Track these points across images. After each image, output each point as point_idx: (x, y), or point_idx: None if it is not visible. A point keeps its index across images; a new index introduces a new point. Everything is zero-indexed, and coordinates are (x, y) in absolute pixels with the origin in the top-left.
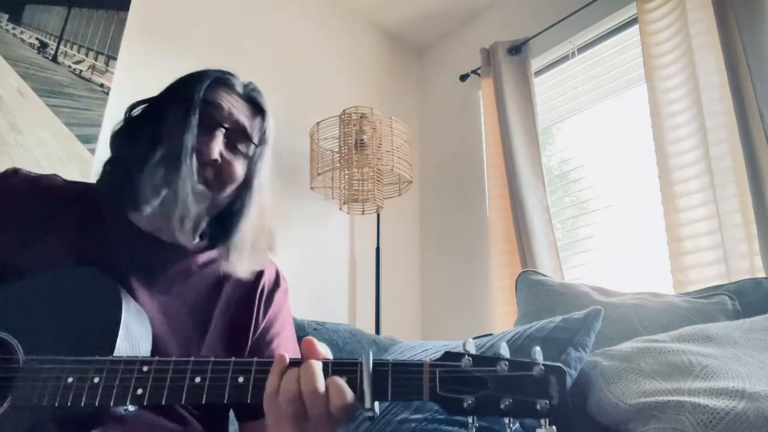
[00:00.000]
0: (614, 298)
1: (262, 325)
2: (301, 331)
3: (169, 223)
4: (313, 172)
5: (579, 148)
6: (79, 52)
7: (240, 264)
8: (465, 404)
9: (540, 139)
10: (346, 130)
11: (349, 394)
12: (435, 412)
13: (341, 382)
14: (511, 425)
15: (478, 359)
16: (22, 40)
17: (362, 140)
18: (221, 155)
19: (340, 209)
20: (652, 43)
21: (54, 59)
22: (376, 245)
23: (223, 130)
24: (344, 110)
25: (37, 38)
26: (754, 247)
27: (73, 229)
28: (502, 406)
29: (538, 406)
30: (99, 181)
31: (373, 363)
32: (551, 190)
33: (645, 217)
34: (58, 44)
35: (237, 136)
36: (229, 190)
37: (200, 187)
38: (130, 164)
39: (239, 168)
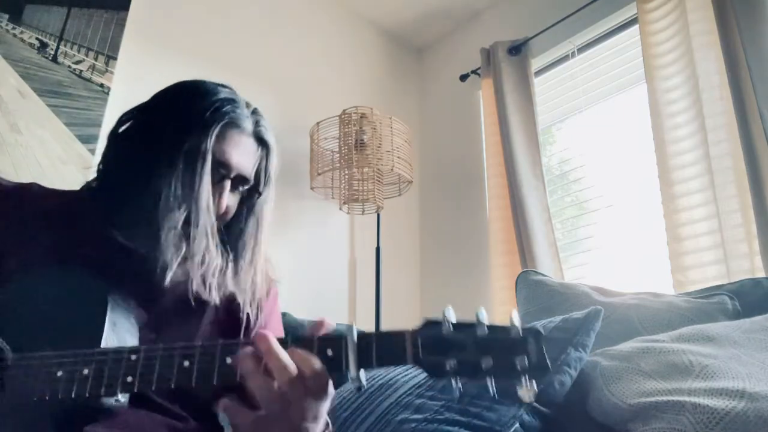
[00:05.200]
0: (614, 298)
1: (253, 332)
2: (301, 330)
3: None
4: (313, 172)
5: (579, 148)
6: (79, 52)
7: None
8: (447, 367)
9: (540, 139)
10: (346, 130)
11: (315, 360)
12: (435, 413)
13: (302, 350)
14: (494, 386)
15: (458, 325)
16: (22, 40)
17: (362, 140)
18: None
19: (340, 209)
20: (652, 43)
21: (54, 59)
22: (376, 245)
23: (230, 181)
24: (344, 110)
25: (37, 38)
26: (754, 247)
27: (53, 239)
28: (483, 367)
29: (518, 365)
30: (84, 190)
31: (358, 334)
32: (551, 190)
33: (645, 217)
34: (58, 44)
35: (239, 181)
36: (223, 222)
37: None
38: (129, 192)
39: (235, 202)
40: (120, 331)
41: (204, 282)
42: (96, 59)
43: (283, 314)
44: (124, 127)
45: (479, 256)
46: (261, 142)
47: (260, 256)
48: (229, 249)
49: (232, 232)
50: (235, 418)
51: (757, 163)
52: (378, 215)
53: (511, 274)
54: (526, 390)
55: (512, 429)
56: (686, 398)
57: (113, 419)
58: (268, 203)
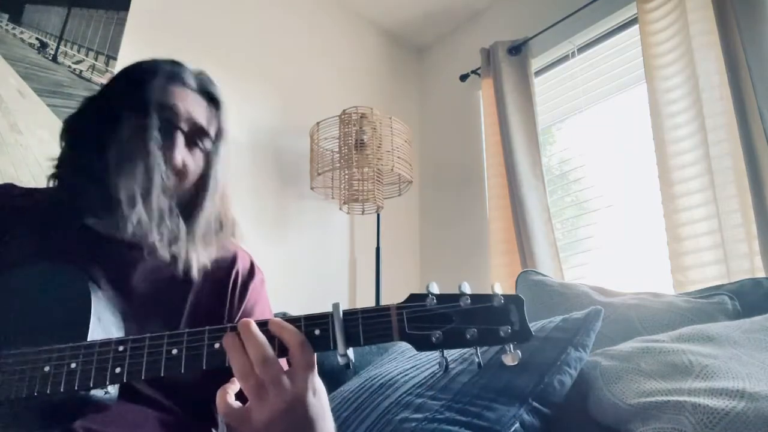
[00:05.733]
0: (614, 298)
1: (237, 317)
2: None
3: (146, 232)
4: (313, 172)
5: (579, 148)
6: (79, 52)
7: (195, 255)
8: (433, 339)
9: (540, 139)
10: (346, 130)
11: (295, 330)
12: (435, 412)
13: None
14: (479, 356)
15: (442, 297)
16: (22, 40)
17: (362, 140)
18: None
19: (340, 209)
20: (652, 43)
21: (54, 59)
22: (376, 245)
23: (182, 133)
24: (344, 110)
25: (37, 38)
26: (754, 247)
27: (32, 236)
28: (468, 337)
29: (502, 333)
30: (52, 186)
31: (344, 312)
32: (551, 190)
33: (645, 217)
34: (58, 44)
35: (195, 135)
36: (188, 184)
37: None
38: (86, 171)
39: (197, 163)
40: (106, 325)
41: (169, 245)
42: (96, 59)
43: (282, 314)
44: (77, 112)
45: (479, 256)
46: (210, 98)
47: (210, 200)
48: (195, 212)
49: (198, 193)
50: (234, 420)
51: (757, 163)
52: (378, 215)
53: (511, 273)
54: (511, 357)
55: (512, 429)
56: (686, 398)
57: (103, 413)
58: (221, 153)
